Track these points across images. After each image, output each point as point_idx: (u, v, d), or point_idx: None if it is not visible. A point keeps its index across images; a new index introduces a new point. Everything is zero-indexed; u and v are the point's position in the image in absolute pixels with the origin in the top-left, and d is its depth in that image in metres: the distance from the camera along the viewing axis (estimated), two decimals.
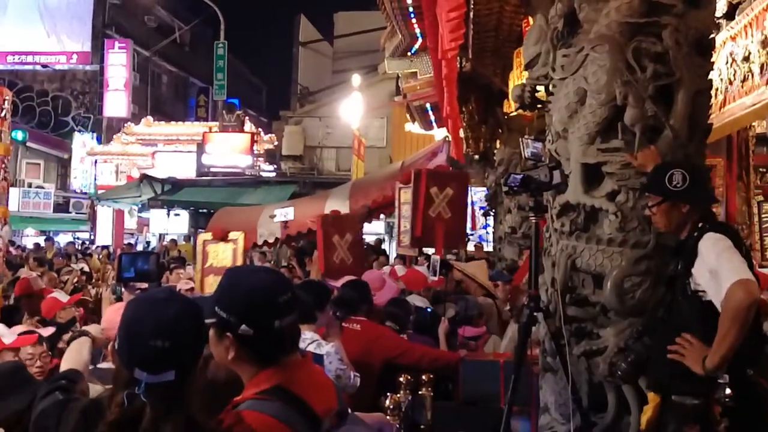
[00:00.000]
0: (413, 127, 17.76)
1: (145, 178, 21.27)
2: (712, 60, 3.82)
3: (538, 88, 4.24)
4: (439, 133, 15.54)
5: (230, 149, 25.38)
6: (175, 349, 1.73)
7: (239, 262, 6.46)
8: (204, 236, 6.81)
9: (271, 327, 1.92)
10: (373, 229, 22.84)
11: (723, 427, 2.98)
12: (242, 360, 1.96)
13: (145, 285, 3.63)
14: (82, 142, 30.48)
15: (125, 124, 29.61)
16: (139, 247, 21.87)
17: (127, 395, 1.70)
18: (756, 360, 3.03)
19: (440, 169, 8.71)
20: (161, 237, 21.60)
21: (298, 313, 2.02)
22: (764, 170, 9.82)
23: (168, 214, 21.00)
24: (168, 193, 20.75)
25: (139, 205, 22.42)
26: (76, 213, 28.86)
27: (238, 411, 1.86)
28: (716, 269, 2.95)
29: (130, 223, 25.64)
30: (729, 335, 2.85)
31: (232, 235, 6.59)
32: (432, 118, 15.82)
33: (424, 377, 4.73)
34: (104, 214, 26.75)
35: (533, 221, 3.82)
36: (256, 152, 25.98)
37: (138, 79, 33.23)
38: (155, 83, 36.19)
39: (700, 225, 3.16)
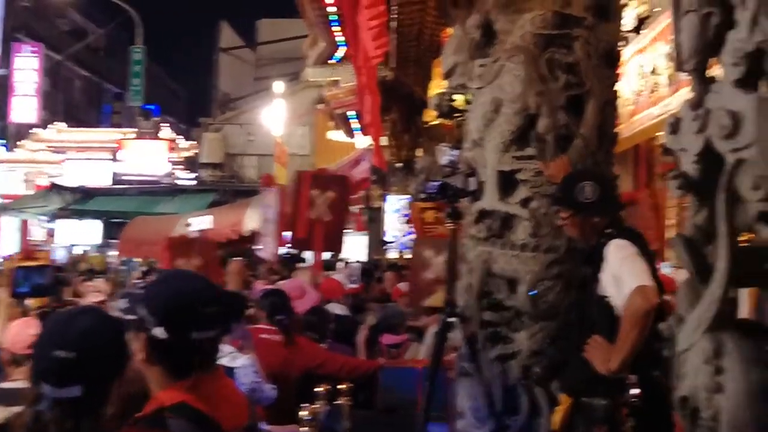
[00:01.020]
0: (336, 135, 17.75)
1: (55, 187, 20.54)
2: (618, 72, 3.95)
3: (456, 97, 4.30)
4: (362, 142, 15.58)
5: (147, 157, 24.77)
6: (81, 361, 1.66)
7: None
8: None
9: (188, 337, 1.83)
10: None
11: (629, 426, 3.07)
12: (152, 363, 1.86)
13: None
14: None
15: (32, 131, 28.46)
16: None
17: (33, 413, 1.63)
18: (661, 361, 3.12)
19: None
20: (70, 248, 20.84)
21: (222, 329, 1.94)
22: None
23: (79, 224, 20.32)
24: (79, 202, 20.10)
25: (50, 215, 21.62)
26: None
27: (138, 427, 1.79)
28: (619, 275, 3.04)
29: (39, 233, 24.65)
30: (628, 339, 2.94)
31: None
32: (355, 126, 15.84)
33: (341, 386, 4.69)
34: (9, 225, 25.61)
35: (450, 228, 3.85)
36: (174, 160, 25.44)
37: (49, 84, 32.09)
38: (67, 88, 35.02)
39: (607, 231, 3.24)
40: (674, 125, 1.55)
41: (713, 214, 1.48)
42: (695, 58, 1.51)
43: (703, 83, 1.53)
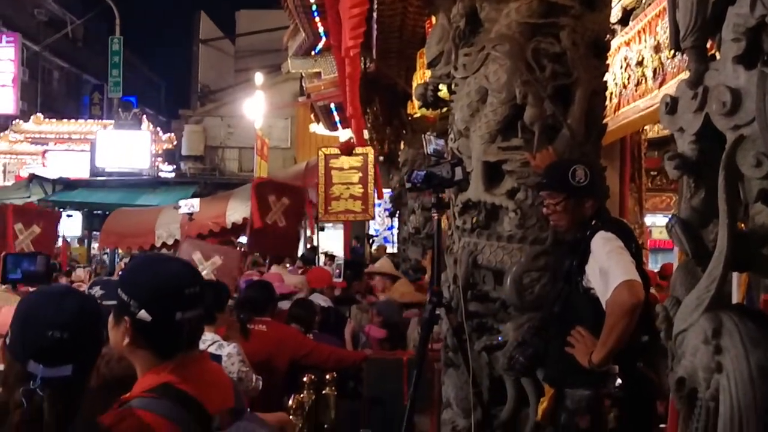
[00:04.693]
0: (318, 128, 17.68)
1: (35, 178, 20.37)
2: (607, 62, 3.94)
3: (441, 87, 4.27)
4: (344, 134, 15.52)
5: (126, 149, 24.58)
6: (73, 342, 1.67)
7: None
8: None
9: (172, 318, 1.86)
10: None
11: (612, 416, 3.08)
12: (137, 347, 1.89)
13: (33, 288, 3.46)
14: None
15: (13, 122, 28.15)
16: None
17: (24, 393, 1.62)
18: (646, 353, 3.13)
19: None
20: None
21: (204, 310, 1.96)
22: (655, 173, 10.29)
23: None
24: (60, 193, 19.94)
25: None
26: None
27: (123, 409, 1.80)
28: (605, 268, 3.02)
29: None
30: (613, 334, 2.93)
31: None
32: (337, 118, 15.79)
33: (327, 377, 4.69)
34: None
35: (435, 218, 3.84)
36: (154, 152, 25.25)
37: (27, 75, 31.68)
38: (46, 79, 34.59)
39: (593, 223, 3.22)
40: (671, 105, 1.54)
41: (710, 196, 1.47)
42: (693, 35, 1.50)
43: (702, 61, 1.52)
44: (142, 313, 1.84)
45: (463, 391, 3.78)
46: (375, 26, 9.13)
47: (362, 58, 9.73)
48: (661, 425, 3.32)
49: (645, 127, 7.61)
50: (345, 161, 7.98)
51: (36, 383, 1.63)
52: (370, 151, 8.14)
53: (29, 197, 20.26)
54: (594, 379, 3.07)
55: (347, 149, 8.05)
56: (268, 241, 6.75)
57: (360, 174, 7.94)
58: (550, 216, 3.38)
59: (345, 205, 7.97)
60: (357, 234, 16.48)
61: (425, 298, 7.01)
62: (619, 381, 3.08)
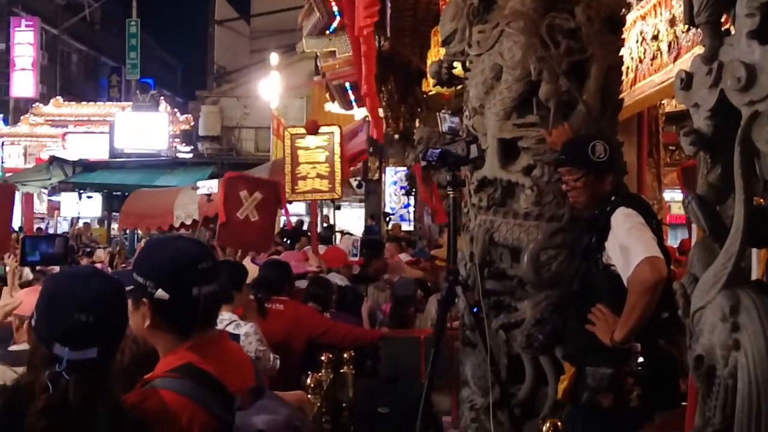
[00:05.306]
0: (333, 107, 17.63)
1: (55, 160, 20.52)
2: (622, 37, 3.89)
3: (455, 64, 4.24)
4: (359, 113, 15.49)
5: (144, 130, 24.67)
6: (98, 324, 1.67)
7: None
8: None
9: (189, 294, 1.87)
10: (293, 210, 22.69)
11: (635, 395, 3.06)
12: (158, 328, 1.91)
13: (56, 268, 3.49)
14: None
15: (33, 105, 28.36)
16: (51, 231, 21.11)
17: (50, 376, 1.62)
18: (667, 330, 3.11)
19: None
20: (73, 221, 20.87)
21: (219, 285, 1.97)
22: (673, 148, 10.18)
23: (80, 197, 20.32)
24: (79, 175, 20.09)
25: (49, 188, 21.60)
26: None
27: (145, 389, 1.82)
28: (626, 245, 2.99)
29: (40, 207, 24.67)
30: (635, 311, 2.91)
31: None
32: (352, 97, 15.73)
33: (345, 355, 4.72)
34: None
35: (451, 196, 3.82)
36: (171, 133, 25.34)
37: (46, 59, 31.86)
38: (64, 63, 34.80)
39: (612, 199, 3.19)
40: (686, 81, 1.52)
41: (726, 172, 1.45)
42: (708, 10, 1.47)
43: (716, 36, 1.49)
44: (160, 292, 1.86)
45: (480, 370, 3.79)
46: (389, 4, 9.09)
47: (376, 37, 9.67)
48: (684, 403, 3.29)
49: (662, 102, 7.52)
50: (311, 140, 7.95)
51: (62, 366, 1.63)
52: (335, 129, 8.11)
53: (50, 179, 20.47)
54: (616, 357, 3.05)
55: (313, 128, 8.01)
56: (237, 236, 6.80)
57: (326, 153, 7.91)
58: (569, 192, 3.34)
59: (312, 184, 7.95)
60: (373, 212, 16.50)
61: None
62: (641, 359, 3.07)
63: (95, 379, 1.67)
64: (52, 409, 1.61)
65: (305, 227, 14.13)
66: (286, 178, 7.96)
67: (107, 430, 1.64)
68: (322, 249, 7.95)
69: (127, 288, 1.90)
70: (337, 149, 7.94)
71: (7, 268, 4.72)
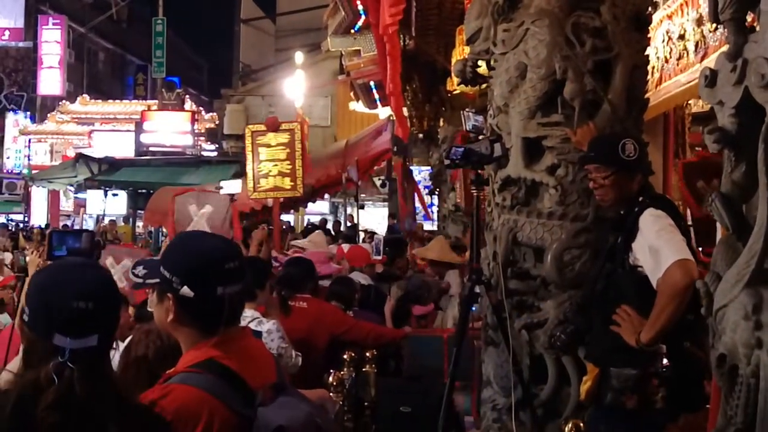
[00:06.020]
0: (357, 106, 17.68)
1: (81, 158, 20.74)
2: (648, 36, 3.86)
3: (480, 63, 4.24)
4: (384, 112, 15.49)
5: (170, 128, 24.90)
6: (97, 312, 1.66)
7: None
8: None
9: (214, 292, 1.88)
10: (317, 209, 22.74)
11: (660, 396, 3.04)
12: (181, 324, 1.92)
13: None
14: (14, 121, 29.51)
15: (60, 103, 28.73)
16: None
17: (54, 367, 1.60)
18: (692, 332, 3.08)
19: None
20: (99, 218, 21.10)
21: (244, 285, 1.97)
22: (700, 149, 10.05)
23: (105, 195, 20.53)
24: (105, 173, 20.27)
25: (75, 186, 21.84)
26: (10, 194, 28.07)
27: (167, 384, 1.83)
28: (656, 247, 2.95)
29: (66, 204, 25.00)
30: (665, 313, 2.87)
31: None
32: (376, 96, 15.75)
33: (367, 354, 4.72)
34: (39, 195, 26.01)
35: (474, 195, 3.82)
36: (196, 131, 25.53)
37: (73, 57, 32.23)
38: (91, 61, 35.18)
39: (640, 199, 3.15)
40: (710, 78, 1.51)
41: (751, 170, 1.44)
42: (732, 7, 1.46)
43: (741, 33, 1.48)
44: (185, 289, 1.87)
45: (503, 369, 3.78)
46: (414, 3, 9.08)
47: (401, 36, 9.68)
48: (708, 405, 3.26)
49: (689, 102, 7.44)
50: (272, 138, 7.87)
51: (65, 356, 1.61)
52: (296, 126, 8.03)
53: (76, 176, 20.69)
54: (640, 359, 3.02)
55: (273, 125, 7.95)
56: None
57: (288, 150, 7.82)
58: (596, 190, 3.30)
59: (274, 182, 7.88)
60: (394, 211, 16.48)
61: (460, 258, 7.04)
62: (665, 360, 3.04)
63: (98, 367, 1.66)
64: (61, 400, 1.59)
65: (329, 225, 14.15)
66: (248, 176, 7.90)
67: (114, 418, 1.63)
68: (345, 248, 7.97)
69: (153, 280, 1.93)
70: (299, 146, 7.87)
71: (28, 259, 4.77)
